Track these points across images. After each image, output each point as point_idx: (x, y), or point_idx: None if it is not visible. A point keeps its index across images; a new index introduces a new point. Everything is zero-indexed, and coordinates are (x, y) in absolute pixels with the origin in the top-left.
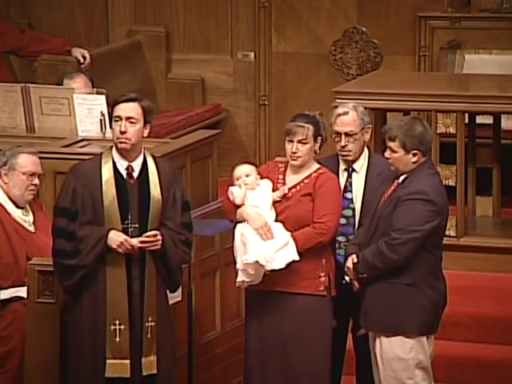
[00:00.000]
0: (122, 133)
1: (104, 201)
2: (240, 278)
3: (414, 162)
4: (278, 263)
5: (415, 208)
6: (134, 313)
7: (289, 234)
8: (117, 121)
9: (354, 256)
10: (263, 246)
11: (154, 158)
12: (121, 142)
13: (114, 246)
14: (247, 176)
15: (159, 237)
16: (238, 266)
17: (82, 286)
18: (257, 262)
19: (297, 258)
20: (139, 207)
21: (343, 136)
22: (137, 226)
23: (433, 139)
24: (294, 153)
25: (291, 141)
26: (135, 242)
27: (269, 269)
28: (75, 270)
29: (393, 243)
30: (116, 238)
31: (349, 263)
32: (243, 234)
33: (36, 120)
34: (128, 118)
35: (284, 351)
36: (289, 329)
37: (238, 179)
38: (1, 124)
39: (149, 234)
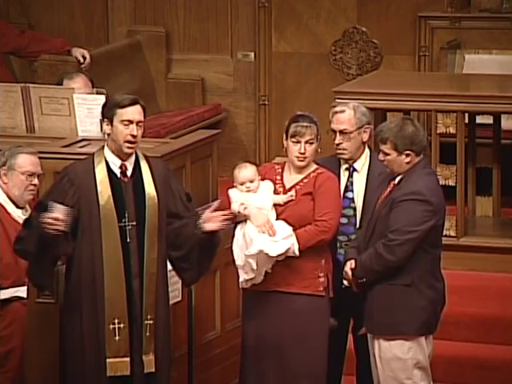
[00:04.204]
0: (134, 137)
1: (100, 201)
2: (241, 277)
3: (407, 163)
4: (280, 248)
5: (411, 209)
6: (134, 311)
7: (291, 228)
8: (126, 124)
9: (352, 261)
10: (266, 238)
11: (145, 157)
12: (129, 147)
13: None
14: (251, 182)
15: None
16: (239, 262)
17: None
18: (260, 251)
19: (297, 253)
20: (135, 205)
21: (338, 133)
22: (134, 223)
23: (426, 138)
24: (302, 153)
25: (298, 142)
26: None
27: (271, 254)
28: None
29: (390, 244)
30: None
31: (347, 268)
32: (245, 232)
33: (36, 120)
34: (138, 122)
35: (281, 351)
36: (286, 329)
37: (242, 184)
38: (1, 124)
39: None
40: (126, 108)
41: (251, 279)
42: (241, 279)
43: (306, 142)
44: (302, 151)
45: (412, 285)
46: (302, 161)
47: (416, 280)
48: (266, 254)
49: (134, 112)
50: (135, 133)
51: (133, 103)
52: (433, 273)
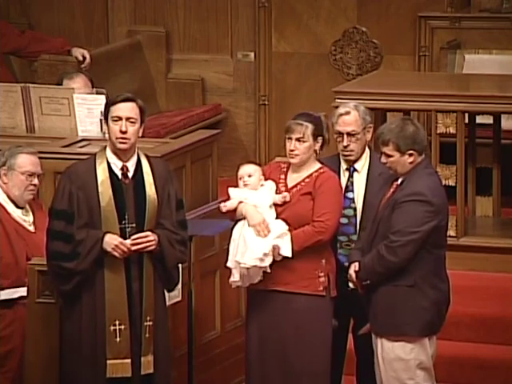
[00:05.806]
0: (123, 133)
1: (101, 202)
2: (232, 277)
3: (410, 163)
4: (267, 246)
5: (413, 209)
6: (134, 312)
7: (287, 227)
8: (116, 120)
9: (356, 264)
10: (260, 244)
11: (147, 157)
12: (121, 142)
13: (109, 249)
14: (249, 176)
15: (151, 237)
16: (229, 264)
17: (78, 290)
18: (255, 266)
19: (288, 255)
20: (135, 207)
21: (345, 136)
22: (134, 225)
23: (426, 137)
24: (292, 150)
25: (290, 138)
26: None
27: (265, 264)
28: (73, 274)
29: (392, 246)
30: (111, 241)
31: (351, 271)
32: (242, 233)
33: (36, 120)
34: (128, 119)
35: (284, 351)
36: (288, 328)
37: (240, 178)
38: (1, 124)
39: (139, 235)
40: (117, 105)
41: (243, 279)
42: (231, 279)
43: (297, 140)
44: (292, 148)
45: (415, 285)
46: (292, 158)
47: (419, 281)
48: (262, 267)
49: (124, 108)
50: (124, 129)
51: (124, 100)
52: (436, 273)
